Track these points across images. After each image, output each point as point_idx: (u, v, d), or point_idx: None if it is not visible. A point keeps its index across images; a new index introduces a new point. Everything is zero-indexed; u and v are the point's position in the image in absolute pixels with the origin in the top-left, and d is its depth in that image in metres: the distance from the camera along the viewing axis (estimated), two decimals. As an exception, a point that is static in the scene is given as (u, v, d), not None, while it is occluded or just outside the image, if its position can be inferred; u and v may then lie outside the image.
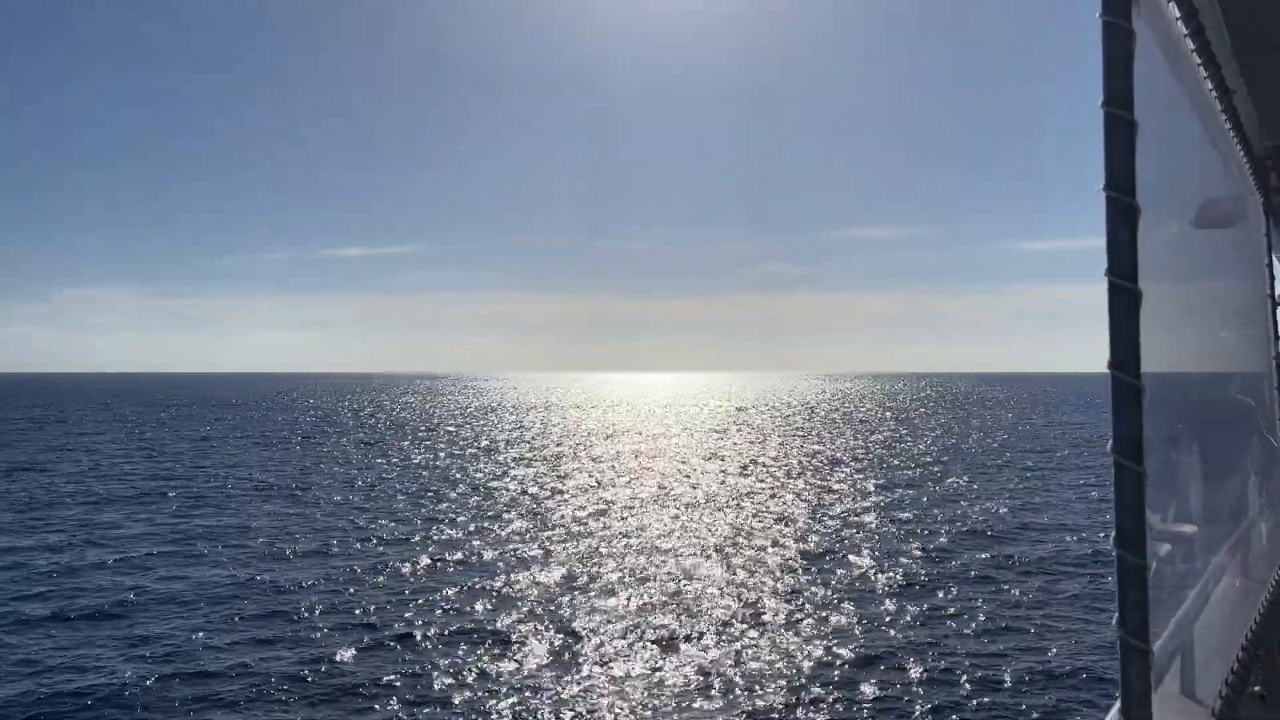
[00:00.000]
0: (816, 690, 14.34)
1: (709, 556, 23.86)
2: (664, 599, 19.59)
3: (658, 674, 15.06)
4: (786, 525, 28.78)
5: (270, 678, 14.91)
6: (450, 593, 20.18)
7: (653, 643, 16.65)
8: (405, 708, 13.75)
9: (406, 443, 62.04)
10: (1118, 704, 1.79)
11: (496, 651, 16.23)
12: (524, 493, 36.45)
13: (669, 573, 22.00)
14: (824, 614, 18.51)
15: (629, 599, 19.60)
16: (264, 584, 20.95)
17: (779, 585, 20.84)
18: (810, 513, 31.32)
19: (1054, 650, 16.29)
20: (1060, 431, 72.47)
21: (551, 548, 25.10)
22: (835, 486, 38.41)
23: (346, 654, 16.08)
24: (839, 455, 52.59)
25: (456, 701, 13.98)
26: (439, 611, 18.74)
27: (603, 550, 24.68)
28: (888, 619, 18.20)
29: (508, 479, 41.08)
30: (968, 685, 14.60)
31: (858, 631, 17.38)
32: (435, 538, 26.63)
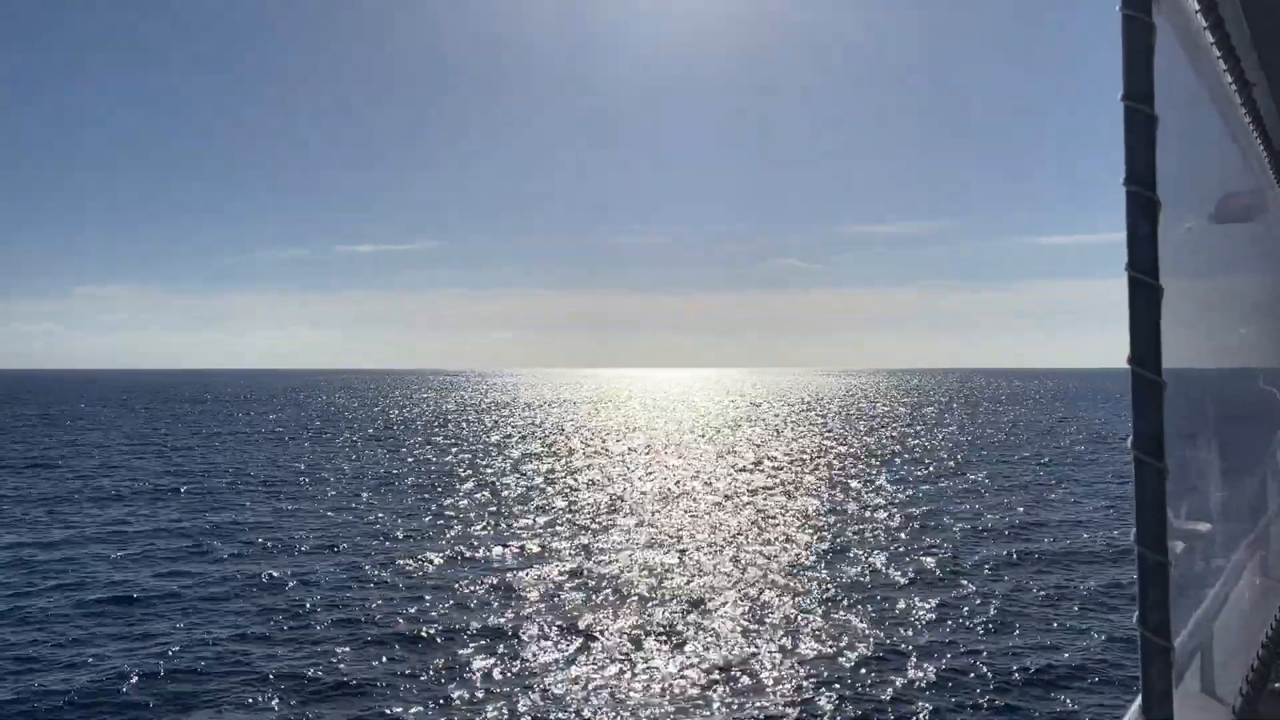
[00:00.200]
0: (835, 685, 14.33)
1: (725, 551, 23.86)
2: (682, 594, 19.60)
3: (675, 669, 15.07)
4: (802, 521, 28.75)
5: (281, 673, 14.98)
6: (475, 589, 20.25)
7: (671, 638, 16.68)
8: (416, 705, 13.79)
9: (431, 439, 62.26)
10: (1138, 701, 1.78)
11: (517, 647, 16.27)
12: (545, 487, 36.52)
13: (687, 567, 22.01)
14: (841, 609, 18.49)
15: (649, 594, 19.62)
16: (274, 580, 21.05)
17: (796, 580, 20.81)
18: (826, 508, 31.27)
19: (1071, 647, 16.22)
20: (1075, 427, 72.16)
21: (567, 544, 25.14)
22: (851, 482, 38.34)
23: (363, 650, 16.15)
24: (854, 451, 52.49)
25: (470, 698, 14.03)
26: (464, 607, 18.80)
27: (620, 545, 24.71)
28: (904, 615, 18.16)
29: (529, 474, 41.17)
30: (985, 682, 14.56)
31: (875, 627, 17.35)
32: (461, 534, 26.72)
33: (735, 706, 13.63)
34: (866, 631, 17.11)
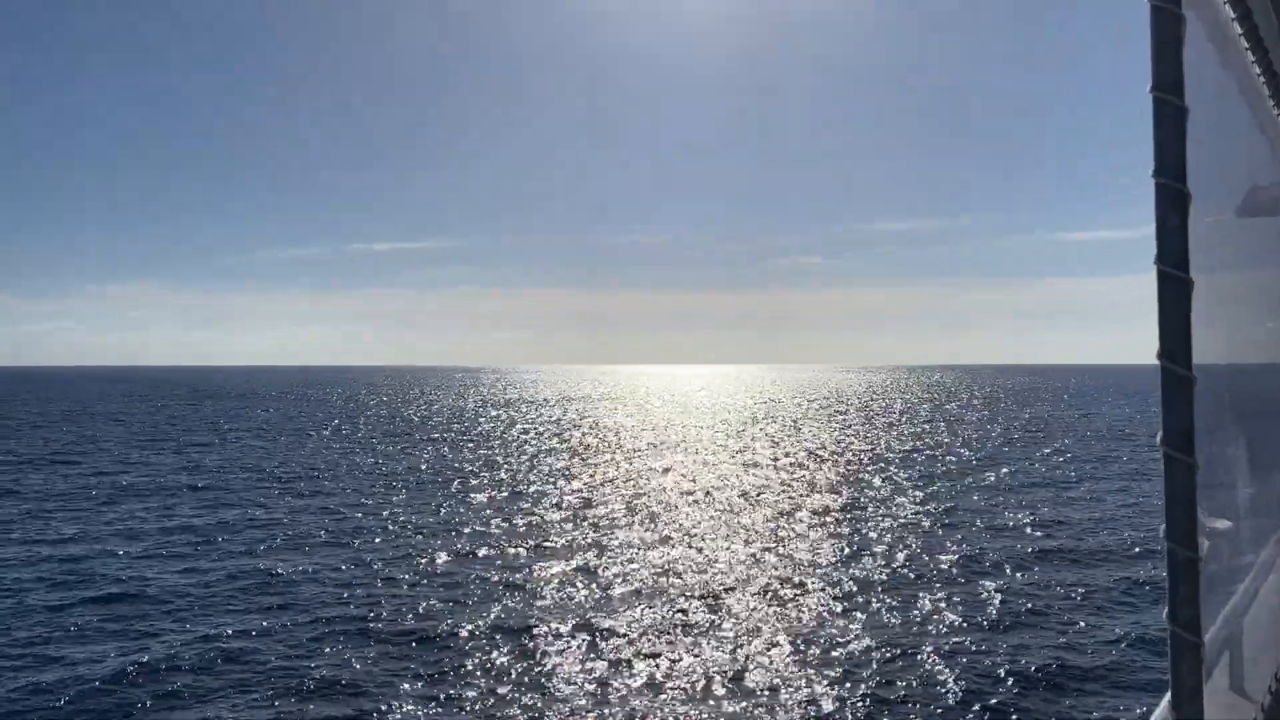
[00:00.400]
0: (858, 683, 14.30)
1: (751, 546, 23.85)
2: (711, 591, 19.61)
3: (699, 666, 15.09)
4: (825, 518, 28.68)
5: (291, 670, 15.09)
6: (509, 586, 20.34)
7: (699, 635, 16.70)
8: (428, 702, 13.86)
9: (464, 434, 62.51)
10: (1166, 698, 1.77)
11: (536, 646, 16.33)
12: (600, 486, 36.62)
13: (714, 562, 22.02)
14: (868, 605, 18.45)
15: (688, 592, 19.65)
16: (290, 576, 21.21)
17: (819, 576, 20.78)
18: (850, 505, 31.19)
19: (1096, 645, 16.13)
20: (1102, 424, 71.63)
21: (587, 540, 25.21)
22: (874, 479, 38.23)
23: (375, 647, 16.25)
24: (876, 447, 52.30)
25: (487, 695, 14.08)
26: (492, 604, 18.89)
27: (640, 543, 24.75)
28: (928, 612, 18.10)
29: (572, 472, 41.28)
30: (1010, 680, 14.49)
31: (898, 624, 17.31)
32: (507, 530, 26.84)
33: (755, 704, 13.62)
34: (890, 628, 17.07)
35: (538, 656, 15.64)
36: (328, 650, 16.02)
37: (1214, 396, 2.20)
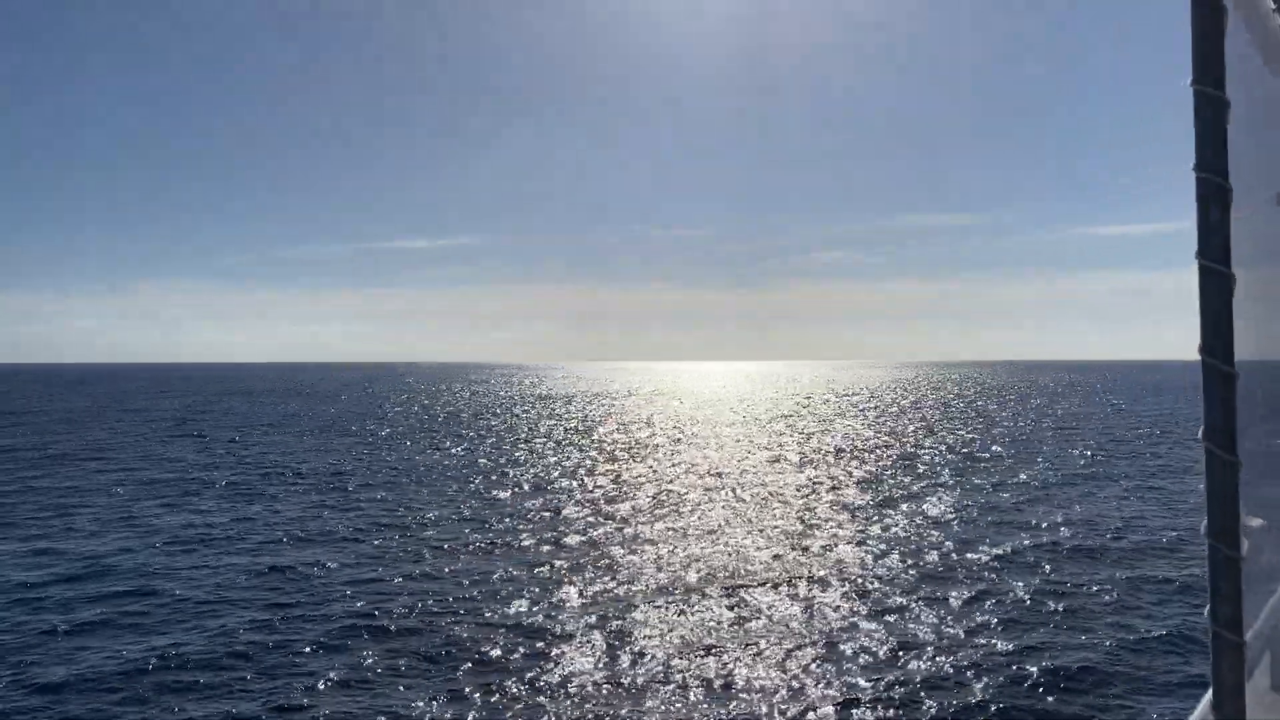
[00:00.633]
0: (887, 680, 14.24)
1: (775, 541, 23.82)
2: (746, 583, 19.61)
3: (728, 661, 15.09)
4: (856, 513, 28.56)
5: (309, 665, 15.24)
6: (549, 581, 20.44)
7: (728, 628, 16.70)
8: (441, 699, 13.94)
9: (505, 429, 62.84)
10: (1207, 698, 1.75)
11: (557, 643, 16.39)
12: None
13: (746, 558, 22.02)
14: (894, 603, 18.37)
15: (705, 588, 19.66)
16: (327, 570, 21.43)
17: (846, 573, 20.70)
18: (884, 502, 31.04)
19: (1133, 643, 15.95)
20: (1137, 420, 70.73)
21: (613, 534, 25.28)
22: (904, 475, 38.01)
23: (394, 642, 16.37)
24: (906, 443, 51.97)
25: (506, 692, 14.15)
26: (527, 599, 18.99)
27: (667, 537, 24.78)
28: (959, 610, 17.99)
29: (618, 465, 41.41)
30: (1044, 678, 14.37)
31: (930, 621, 17.21)
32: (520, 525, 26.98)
33: (781, 702, 13.60)
34: (922, 625, 16.97)
35: (566, 653, 15.69)
36: (351, 645, 16.17)
37: (1256, 392, 2.17)
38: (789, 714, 13.14)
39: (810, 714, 13.14)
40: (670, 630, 16.79)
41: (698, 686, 14.10)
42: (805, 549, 23.50)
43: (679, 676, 14.50)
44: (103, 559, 22.73)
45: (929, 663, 15.02)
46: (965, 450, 48.49)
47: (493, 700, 13.67)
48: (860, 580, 20.24)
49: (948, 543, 24.14)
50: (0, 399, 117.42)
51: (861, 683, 14.16)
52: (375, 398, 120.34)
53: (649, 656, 15.39)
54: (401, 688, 14.19)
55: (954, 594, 19.07)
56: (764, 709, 13.29)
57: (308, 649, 15.96)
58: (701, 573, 21.01)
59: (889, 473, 39.25)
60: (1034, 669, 14.69)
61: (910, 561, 22.01)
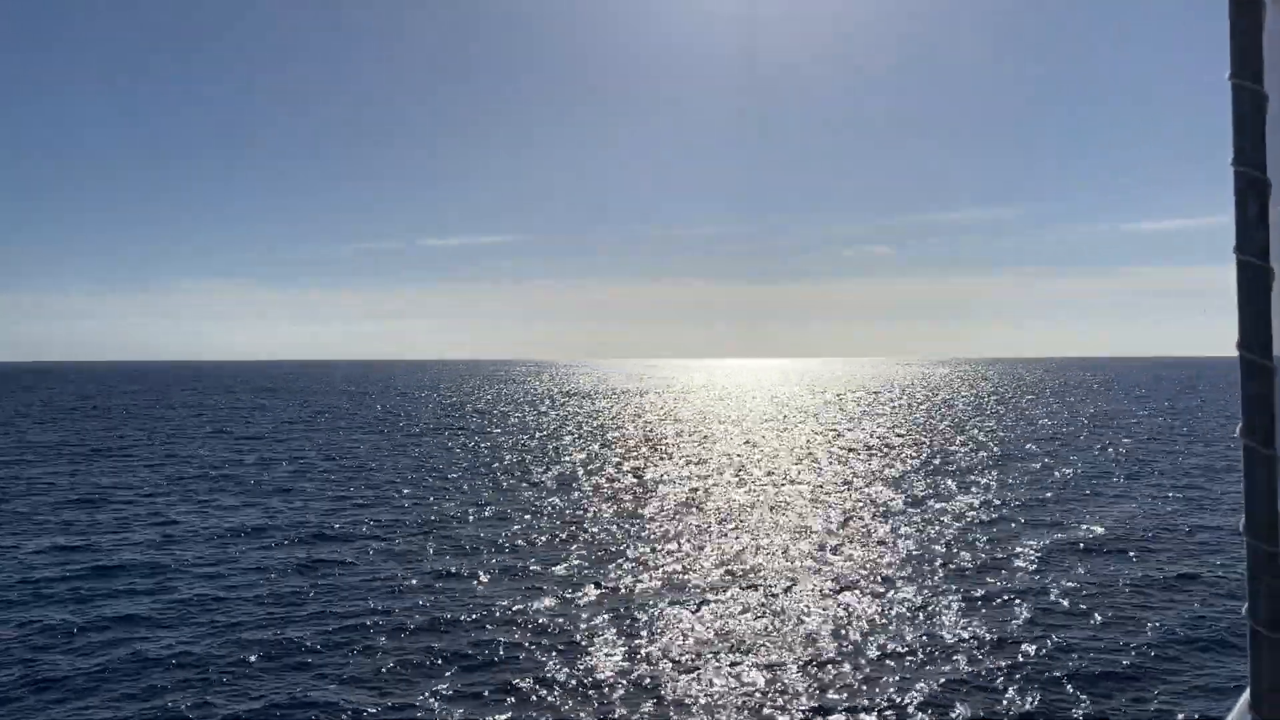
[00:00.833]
0: (917, 676, 14.17)
1: (807, 539, 23.75)
2: (779, 579, 19.57)
3: (757, 661, 15.06)
4: (889, 511, 28.42)
5: (330, 660, 15.34)
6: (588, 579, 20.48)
7: (758, 624, 16.67)
8: (455, 697, 13.98)
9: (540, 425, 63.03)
10: (1244, 697, 1.73)
11: (580, 640, 16.41)
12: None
13: (779, 554, 21.98)
14: (925, 600, 18.27)
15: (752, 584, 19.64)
16: (366, 566, 21.57)
17: (876, 572, 20.61)
18: (915, 500, 30.85)
19: (1168, 640, 15.76)
20: (1172, 417, 69.84)
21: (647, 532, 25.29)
22: (935, 474, 37.76)
23: (411, 639, 16.44)
24: (936, 441, 51.61)
25: (525, 690, 14.19)
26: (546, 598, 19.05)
27: (697, 536, 24.77)
28: (993, 608, 17.86)
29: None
30: (1079, 676, 14.23)
31: (961, 618, 17.10)
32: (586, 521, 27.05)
33: (808, 699, 13.55)
34: (952, 624, 16.87)
35: (589, 651, 15.70)
36: (371, 643, 16.23)
37: None
38: (818, 713, 13.10)
39: (839, 714, 13.09)
40: (694, 629, 16.77)
41: (724, 685, 14.08)
42: (835, 548, 23.39)
43: (704, 676, 14.48)
44: (122, 553, 22.98)
45: (961, 662, 14.92)
46: (997, 447, 48.09)
47: (512, 700, 13.66)
48: (892, 578, 20.13)
49: (980, 540, 23.96)
50: (35, 395, 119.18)
51: (893, 680, 14.09)
52: (390, 395, 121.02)
53: (673, 655, 15.38)
54: (420, 685, 14.21)
55: (985, 592, 18.92)
56: (793, 708, 13.25)
57: (327, 645, 16.02)
58: (729, 570, 20.98)
59: (915, 471, 39.00)
60: (1069, 667, 14.56)
61: (940, 561, 21.86)
